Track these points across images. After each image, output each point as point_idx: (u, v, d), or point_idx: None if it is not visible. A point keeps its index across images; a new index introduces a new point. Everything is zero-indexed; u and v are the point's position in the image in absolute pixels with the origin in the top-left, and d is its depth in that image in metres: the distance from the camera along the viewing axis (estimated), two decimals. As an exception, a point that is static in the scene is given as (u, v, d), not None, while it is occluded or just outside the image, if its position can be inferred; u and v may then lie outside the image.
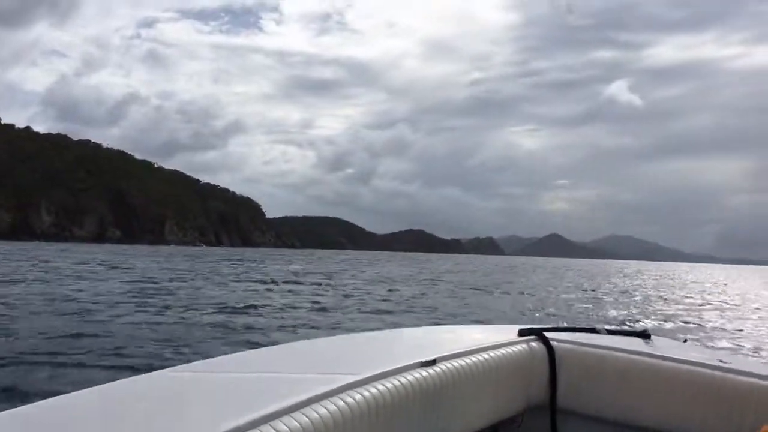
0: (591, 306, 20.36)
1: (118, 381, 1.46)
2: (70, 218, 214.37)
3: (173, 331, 10.96)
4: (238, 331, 11.48)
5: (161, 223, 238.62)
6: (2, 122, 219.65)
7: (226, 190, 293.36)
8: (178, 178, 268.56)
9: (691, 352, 2.14)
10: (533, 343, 2.15)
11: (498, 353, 1.98)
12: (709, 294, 31.54)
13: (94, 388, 1.37)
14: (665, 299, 25.52)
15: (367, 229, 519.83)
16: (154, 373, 1.55)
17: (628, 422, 2.04)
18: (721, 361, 1.99)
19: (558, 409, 2.14)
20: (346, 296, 20.44)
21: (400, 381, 1.55)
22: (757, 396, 1.86)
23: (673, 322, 16.15)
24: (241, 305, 15.70)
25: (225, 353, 1.93)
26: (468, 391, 1.80)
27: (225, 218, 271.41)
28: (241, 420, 1.13)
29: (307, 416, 1.23)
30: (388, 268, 53.33)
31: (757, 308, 22.61)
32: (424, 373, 1.65)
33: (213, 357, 1.75)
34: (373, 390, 1.45)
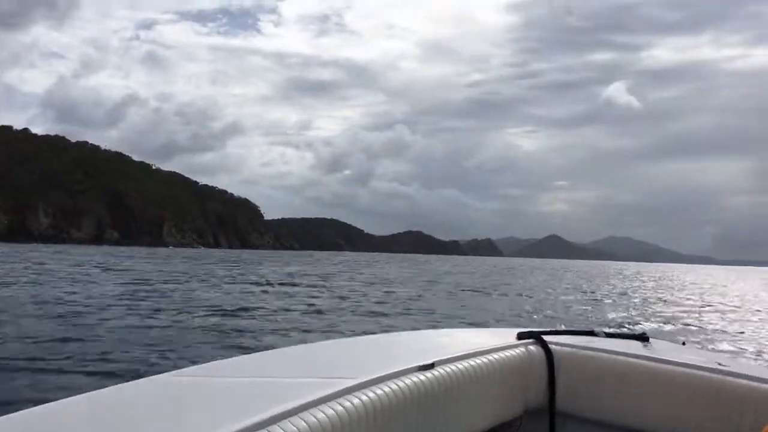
0: (590, 308, 20.26)
1: (111, 387, 1.42)
2: (68, 220, 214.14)
3: (162, 336, 10.77)
4: (230, 334, 11.28)
5: (159, 224, 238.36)
6: (0, 124, 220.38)
7: (224, 192, 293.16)
8: (176, 179, 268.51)
9: (689, 355, 2.14)
10: (531, 347, 2.15)
11: (496, 357, 1.97)
12: (708, 295, 31.46)
13: (85, 394, 1.33)
14: (665, 301, 25.46)
15: (366, 230, 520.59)
16: (153, 377, 1.53)
17: (627, 425, 2.03)
18: (719, 363, 1.99)
19: (556, 413, 2.13)
20: (342, 298, 20.25)
21: (398, 385, 1.54)
22: (755, 399, 1.85)
23: (673, 324, 16.04)
24: (235, 308, 15.47)
25: (215, 358, 1.89)
26: (466, 395, 1.79)
27: (223, 220, 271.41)
28: (239, 425, 1.12)
29: (305, 420, 1.22)
30: (386, 269, 53.30)
31: (758, 310, 22.51)
32: (422, 377, 1.64)
33: (203, 362, 1.70)
34: (372, 394, 1.44)
